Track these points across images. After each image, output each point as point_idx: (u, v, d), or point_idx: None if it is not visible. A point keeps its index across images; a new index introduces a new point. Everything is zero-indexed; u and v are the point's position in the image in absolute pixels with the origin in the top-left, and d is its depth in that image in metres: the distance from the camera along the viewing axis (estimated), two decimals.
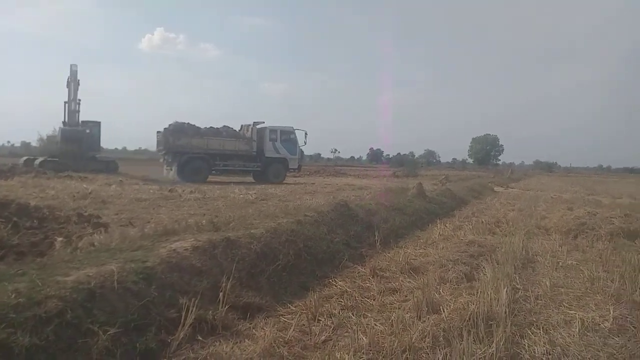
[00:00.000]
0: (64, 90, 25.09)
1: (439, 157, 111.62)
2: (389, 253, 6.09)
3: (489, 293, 3.93)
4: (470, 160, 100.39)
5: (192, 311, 3.11)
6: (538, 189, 23.09)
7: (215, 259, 4.06)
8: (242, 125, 23.54)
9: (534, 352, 3.13)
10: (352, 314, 3.80)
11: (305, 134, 24.40)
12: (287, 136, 23.50)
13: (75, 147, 24.33)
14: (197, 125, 22.04)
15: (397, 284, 4.69)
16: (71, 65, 25.50)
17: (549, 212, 10.79)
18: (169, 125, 21.39)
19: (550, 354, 3.11)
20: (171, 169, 20.89)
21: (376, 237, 6.36)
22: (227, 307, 3.48)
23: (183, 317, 3.07)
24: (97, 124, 26.81)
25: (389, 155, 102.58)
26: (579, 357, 3.11)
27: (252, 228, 5.22)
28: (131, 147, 70.97)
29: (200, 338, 3.12)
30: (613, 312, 3.82)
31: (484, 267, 5.13)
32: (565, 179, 45.39)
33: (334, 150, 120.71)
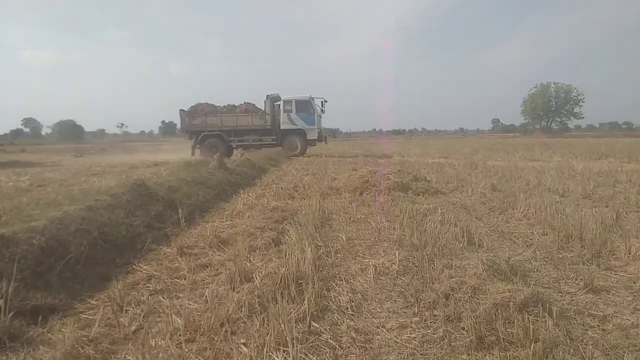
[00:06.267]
0: None
1: None
2: (195, 229, 5.94)
3: (295, 254, 4.15)
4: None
5: None
6: (325, 154, 25.06)
7: None
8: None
9: (340, 301, 3.43)
10: (163, 297, 3.61)
11: (323, 102, 23.11)
12: (303, 106, 22.55)
13: None
14: (214, 104, 23.19)
15: (207, 259, 4.61)
16: None
17: (337, 174, 11.80)
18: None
19: (353, 301, 3.44)
20: (196, 148, 22.25)
21: (180, 215, 6.14)
22: (11, 314, 2.97)
23: None
24: None
25: None
26: (376, 299, 3.52)
27: (31, 220, 4.50)
28: None
29: None
30: (398, 255, 4.40)
31: (288, 230, 5.39)
32: (347, 143, 50.32)
33: (120, 125, 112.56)
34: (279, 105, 22.94)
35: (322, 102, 23.35)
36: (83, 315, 3.31)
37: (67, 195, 6.85)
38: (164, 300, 3.54)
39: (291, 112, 22.66)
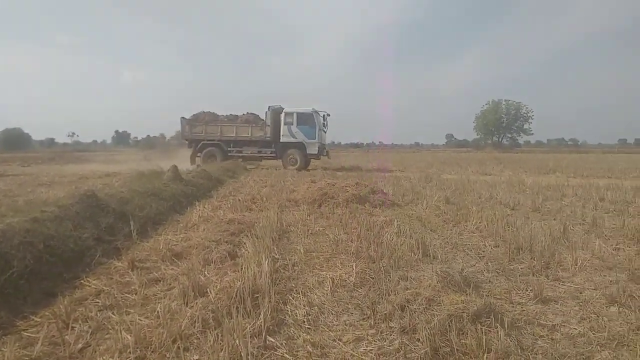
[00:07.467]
0: None
1: None
2: (148, 242, 5.75)
3: (252, 267, 4.08)
4: None
5: None
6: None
7: None
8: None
9: (296, 315, 3.40)
10: (113, 313, 3.46)
11: (325, 115, 22.38)
12: (305, 119, 21.77)
13: None
14: (216, 113, 23.09)
15: (159, 273, 4.46)
16: None
17: (296, 186, 11.79)
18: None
19: (309, 314, 3.42)
20: (197, 156, 22.28)
21: (132, 227, 5.94)
22: None
23: None
24: None
25: (137, 137, 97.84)
26: (333, 312, 3.50)
27: None
28: None
29: None
30: (355, 267, 4.41)
31: (245, 243, 5.31)
32: None
33: (71, 134, 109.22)
34: (277, 116, 22.35)
35: (324, 116, 22.63)
36: (25, 333, 3.13)
37: (11, 206, 6.51)
38: (113, 316, 3.40)
39: (292, 124, 21.91)
